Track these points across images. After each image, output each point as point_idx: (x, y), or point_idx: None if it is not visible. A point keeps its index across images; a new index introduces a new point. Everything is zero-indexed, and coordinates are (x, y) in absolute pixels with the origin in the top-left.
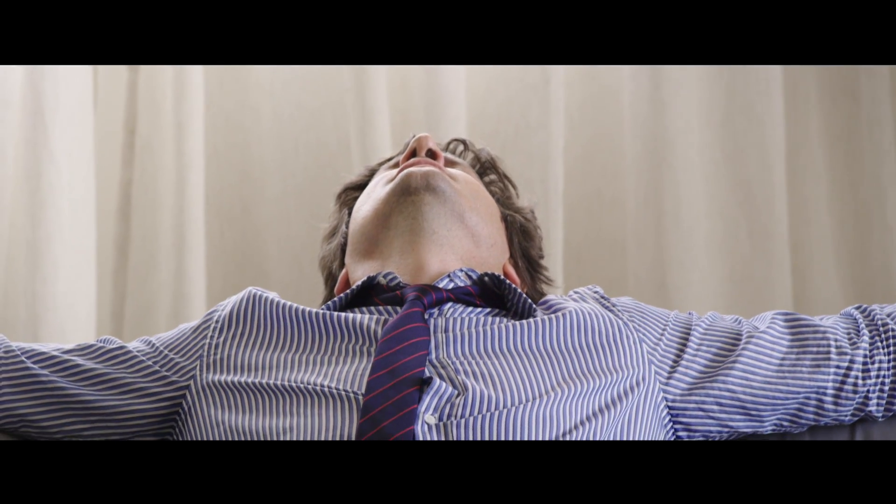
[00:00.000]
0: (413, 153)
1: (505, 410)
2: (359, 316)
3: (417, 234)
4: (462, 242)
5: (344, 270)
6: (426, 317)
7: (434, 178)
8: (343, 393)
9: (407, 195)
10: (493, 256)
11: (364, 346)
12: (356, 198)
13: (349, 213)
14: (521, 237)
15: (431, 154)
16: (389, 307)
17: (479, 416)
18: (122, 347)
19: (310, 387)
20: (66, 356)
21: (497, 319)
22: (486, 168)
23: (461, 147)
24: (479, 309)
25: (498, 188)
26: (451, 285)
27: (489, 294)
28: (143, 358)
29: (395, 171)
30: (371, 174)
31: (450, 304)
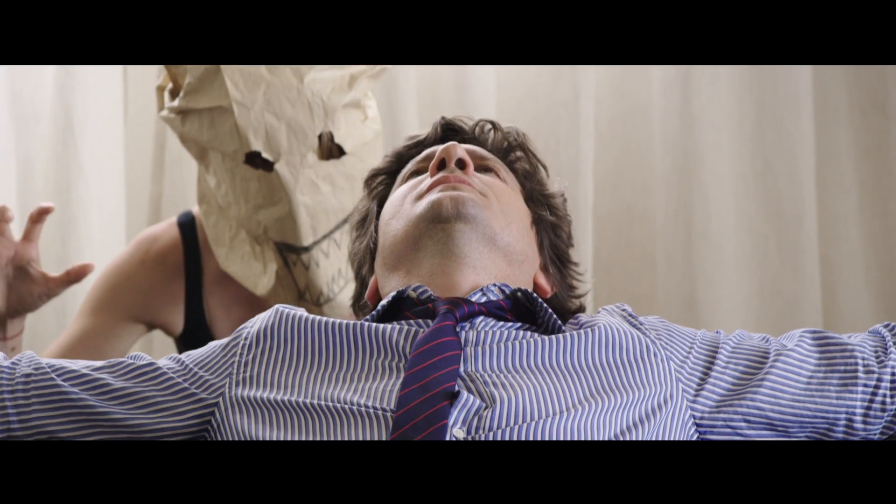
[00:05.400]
0: (442, 162)
1: (533, 423)
2: (388, 329)
3: (448, 258)
4: (494, 263)
5: (374, 278)
6: (457, 330)
7: (465, 205)
8: (373, 411)
9: (437, 222)
10: (525, 272)
11: (394, 361)
12: (384, 183)
13: (378, 206)
14: (552, 233)
15: (461, 163)
16: (420, 320)
17: (508, 429)
18: (151, 364)
19: (339, 405)
20: (95, 374)
21: (527, 334)
22: (513, 148)
23: (489, 126)
24: (511, 323)
25: (527, 166)
26: (483, 299)
27: (521, 308)
28: (173, 375)
29: (425, 184)
30: (397, 160)
31: (481, 318)
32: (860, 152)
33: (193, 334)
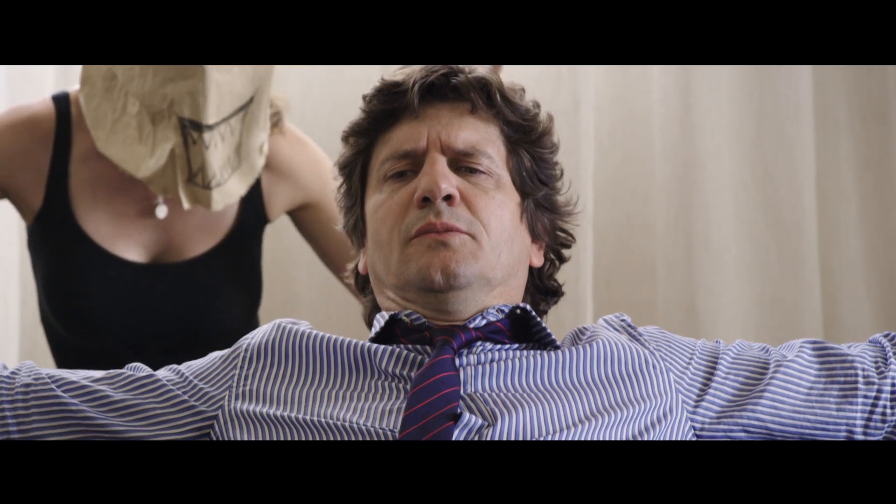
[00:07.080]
0: (426, 195)
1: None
2: (385, 356)
3: (444, 314)
4: (492, 296)
5: (364, 257)
6: (455, 362)
7: (456, 277)
8: (373, 430)
9: (430, 292)
10: (521, 276)
11: (394, 382)
12: (362, 143)
13: (363, 162)
14: (538, 201)
15: (447, 197)
16: (418, 346)
17: None
18: (150, 376)
19: (339, 423)
20: (94, 385)
21: (526, 353)
22: (492, 97)
23: (465, 85)
24: (508, 345)
25: (507, 112)
26: (482, 322)
27: (520, 325)
28: (172, 387)
29: (411, 220)
30: (373, 120)
31: (479, 343)
32: (861, 161)
33: (53, 211)
